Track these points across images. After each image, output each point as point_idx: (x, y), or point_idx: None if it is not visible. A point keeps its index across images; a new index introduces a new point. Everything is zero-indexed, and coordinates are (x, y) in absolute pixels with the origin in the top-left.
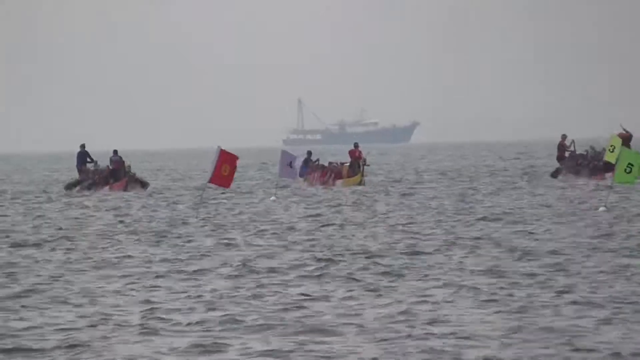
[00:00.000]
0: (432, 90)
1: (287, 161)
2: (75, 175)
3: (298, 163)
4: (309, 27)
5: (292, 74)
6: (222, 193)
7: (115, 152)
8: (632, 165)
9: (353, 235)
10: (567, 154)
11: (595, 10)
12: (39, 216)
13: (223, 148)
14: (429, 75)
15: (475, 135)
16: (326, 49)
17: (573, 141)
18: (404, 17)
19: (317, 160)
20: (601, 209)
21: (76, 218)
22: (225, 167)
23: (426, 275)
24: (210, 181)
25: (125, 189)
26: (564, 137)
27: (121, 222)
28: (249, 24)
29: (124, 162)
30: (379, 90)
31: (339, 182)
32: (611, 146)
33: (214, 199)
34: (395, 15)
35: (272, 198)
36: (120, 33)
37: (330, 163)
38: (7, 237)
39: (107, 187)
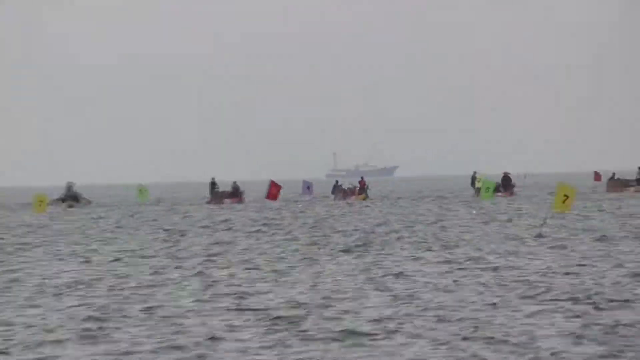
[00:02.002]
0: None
1: (306, 186)
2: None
3: (313, 187)
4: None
5: (327, 126)
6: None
7: (234, 182)
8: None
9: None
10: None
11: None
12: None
13: (273, 179)
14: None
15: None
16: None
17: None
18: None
19: (344, 184)
20: (474, 212)
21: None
22: (274, 190)
23: None
24: (267, 197)
25: (240, 202)
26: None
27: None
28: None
29: (238, 187)
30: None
31: (352, 198)
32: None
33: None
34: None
35: (299, 205)
36: (120, 40)
37: (348, 187)
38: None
39: (229, 200)
